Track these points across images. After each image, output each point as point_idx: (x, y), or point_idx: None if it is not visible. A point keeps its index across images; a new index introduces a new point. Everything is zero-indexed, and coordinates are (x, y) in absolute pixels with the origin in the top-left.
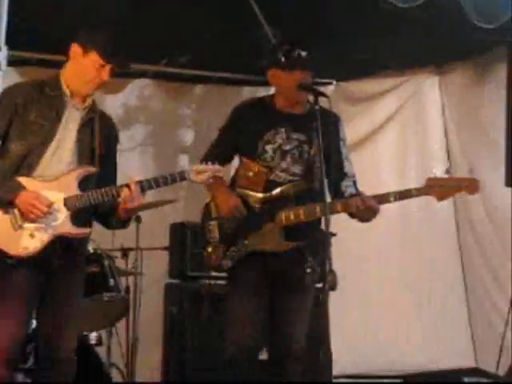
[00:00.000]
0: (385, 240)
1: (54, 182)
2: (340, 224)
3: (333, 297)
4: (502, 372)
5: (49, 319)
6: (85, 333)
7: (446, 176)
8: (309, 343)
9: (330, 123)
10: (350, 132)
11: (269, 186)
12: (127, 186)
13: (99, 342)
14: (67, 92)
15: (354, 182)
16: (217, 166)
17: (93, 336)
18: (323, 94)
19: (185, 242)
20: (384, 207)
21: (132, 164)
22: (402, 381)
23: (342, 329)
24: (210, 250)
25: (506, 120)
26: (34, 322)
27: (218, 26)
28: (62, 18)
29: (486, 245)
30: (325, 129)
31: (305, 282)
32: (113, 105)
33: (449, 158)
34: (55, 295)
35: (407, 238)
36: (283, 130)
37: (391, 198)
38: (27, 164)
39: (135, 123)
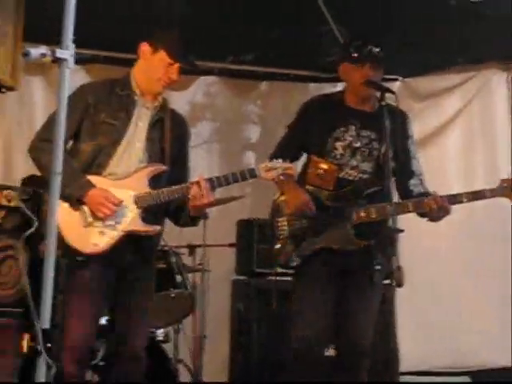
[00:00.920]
0: (454, 235)
1: (125, 180)
2: (407, 220)
3: (400, 293)
4: None
5: (124, 318)
6: (152, 329)
7: None
8: (376, 340)
9: (399, 121)
10: (416, 129)
11: (339, 183)
12: (197, 183)
13: (166, 339)
14: (137, 91)
15: (422, 181)
16: (287, 163)
17: (160, 333)
18: (390, 91)
19: (252, 238)
20: None
21: (198, 161)
22: (469, 377)
23: (409, 325)
24: (278, 246)
25: None
26: (103, 319)
27: (283, 23)
28: (128, 17)
29: None
30: (393, 126)
31: (373, 279)
32: (179, 102)
33: None
34: (129, 294)
35: (476, 232)
36: (353, 127)
37: (464, 199)
38: (97, 163)
39: (201, 120)
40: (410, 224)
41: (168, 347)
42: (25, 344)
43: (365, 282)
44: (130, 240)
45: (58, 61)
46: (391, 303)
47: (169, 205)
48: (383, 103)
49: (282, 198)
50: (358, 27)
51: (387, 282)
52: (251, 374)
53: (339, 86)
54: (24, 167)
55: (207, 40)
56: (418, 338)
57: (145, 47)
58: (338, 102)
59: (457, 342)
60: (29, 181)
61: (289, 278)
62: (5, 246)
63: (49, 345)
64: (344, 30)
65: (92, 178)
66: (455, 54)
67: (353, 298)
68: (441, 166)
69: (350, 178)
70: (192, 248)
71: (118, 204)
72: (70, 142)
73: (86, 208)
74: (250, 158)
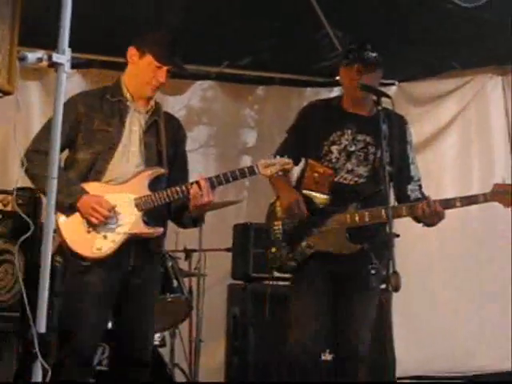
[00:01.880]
0: (448, 239)
1: (125, 185)
2: (402, 225)
3: (396, 298)
4: None
5: (129, 323)
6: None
7: None
8: (372, 344)
9: (397, 126)
10: (412, 133)
11: (334, 187)
12: (197, 182)
13: (163, 343)
14: (128, 96)
15: (420, 186)
16: (285, 159)
17: (156, 337)
18: (386, 95)
19: (248, 242)
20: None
21: (194, 165)
22: (466, 382)
23: (405, 330)
24: (273, 250)
25: None
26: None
27: (279, 28)
28: (125, 21)
29: None
30: (391, 131)
31: (370, 284)
32: (175, 106)
33: None
34: (134, 298)
35: (471, 237)
36: (349, 131)
37: (457, 203)
38: (95, 170)
39: (198, 125)
40: (406, 228)
41: (164, 351)
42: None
43: (360, 286)
44: (133, 243)
45: (54, 65)
46: (388, 308)
47: (170, 207)
48: (380, 107)
49: (278, 201)
50: (354, 32)
51: (383, 286)
52: (247, 378)
53: (336, 91)
54: (19, 172)
55: (203, 44)
56: (414, 343)
57: (132, 51)
58: (335, 106)
59: (453, 346)
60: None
61: (285, 283)
62: (1, 251)
63: (47, 350)
64: (340, 35)
65: (91, 185)
66: (451, 59)
67: (349, 302)
68: (437, 170)
69: (346, 181)
70: (188, 252)
71: (111, 209)
72: (64, 153)
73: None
74: (246, 163)
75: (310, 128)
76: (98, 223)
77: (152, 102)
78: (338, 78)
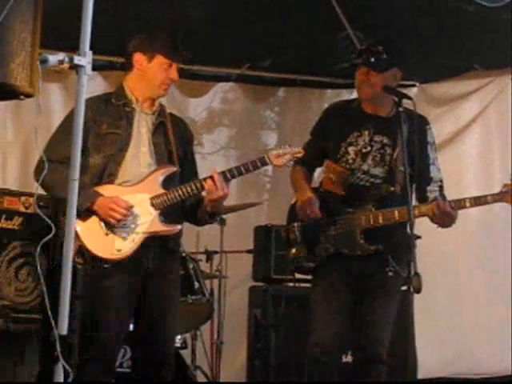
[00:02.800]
0: (472, 239)
1: (139, 185)
2: (424, 225)
3: (418, 299)
4: None
5: (152, 324)
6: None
7: None
8: (394, 346)
9: (418, 126)
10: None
11: (351, 188)
12: (211, 177)
13: (184, 345)
14: (133, 99)
15: (441, 187)
16: (296, 148)
17: (177, 339)
18: (407, 96)
19: (269, 244)
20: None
21: (215, 167)
22: None
23: (427, 331)
24: (293, 251)
25: None
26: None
27: (300, 30)
28: (147, 22)
29: None
30: (411, 132)
31: (388, 286)
32: (196, 108)
33: None
34: (153, 300)
35: (495, 237)
36: (367, 132)
37: (467, 204)
38: (108, 173)
39: (219, 127)
40: (428, 229)
41: (185, 353)
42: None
43: (378, 287)
44: (151, 243)
45: (75, 67)
46: (409, 309)
47: (184, 205)
48: (401, 109)
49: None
50: (374, 33)
51: (405, 288)
52: (268, 380)
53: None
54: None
55: (225, 46)
56: (437, 344)
57: (139, 57)
58: (355, 107)
59: (476, 348)
60: None
61: (306, 284)
62: (23, 253)
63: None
64: (361, 36)
65: (105, 188)
66: (472, 60)
67: (367, 303)
68: (458, 171)
69: (361, 182)
70: (209, 254)
71: (128, 208)
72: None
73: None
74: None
75: (330, 129)
76: (117, 223)
77: (157, 104)
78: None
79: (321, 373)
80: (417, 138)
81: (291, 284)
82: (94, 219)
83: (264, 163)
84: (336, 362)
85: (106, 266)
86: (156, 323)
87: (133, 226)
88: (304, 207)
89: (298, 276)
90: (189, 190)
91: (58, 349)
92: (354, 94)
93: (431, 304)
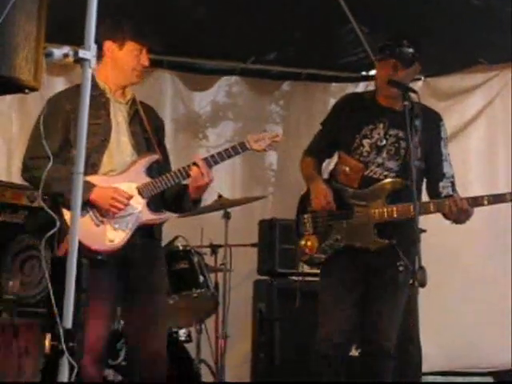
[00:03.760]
0: (477, 233)
1: (123, 175)
2: (430, 219)
3: (423, 293)
4: None
5: (134, 319)
6: (174, 329)
7: None
8: (399, 339)
9: (432, 122)
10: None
11: (364, 181)
12: (194, 164)
13: (189, 339)
14: (106, 88)
15: (452, 183)
16: (273, 132)
17: (182, 333)
18: (412, 90)
19: (274, 238)
20: None
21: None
22: (492, 378)
23: (431, 325)
24: (303, 242)
25: None
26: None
27: (305, 23)
28: (150, 16)
29: None
30: (426, 127)
31: (397, 280)
32: (201, 102)
33: None
34: (139, 293)
35: (500, 231)
36: (382, 125)
37: (484, 202)
38: (91, 164)
39: (223, 120)
40: (433, 222)
41: (190, 347)
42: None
43: (389, 282)
44: (138, 232)
45: (80, 61)
46: (414, 303)
47: (164, 194)
48: (406, 103)
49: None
50: (379, 27)
51: (410, 281)
52: (273, 374)
53: (361, 86)
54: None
55: (229, 40)
56: (441, 338)
57: (109, 45)
58: (369, 100)
59: (481, 342)
60: None
61: (311, 278)
62: (28, 247)
63: (71, 344)
64: (366, 30)
65: (90, 178)
66: (477, 54)
67: (377, 298)
68: (463, 165)
69: (375, 176)
70: (214, 248)
71: (129, 198)
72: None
73: (93, 208)
74: (272, 158)
75: (343, 121)
76: (118, 213)
77: (130, 93)
78: (374, 72)
79: (329, 367)
80: (431, 134)
81: (296, 278)
82: (83, 211)
83: (244, 148)
84: (343, 356)
85: (99, 257)
86: (144, 321)
87: (124, 216)
88: (319, 198)
89: (303, 270)
90: (174, 177)
91: (63, 343)
92: (359, 88)
93: (435, 298)
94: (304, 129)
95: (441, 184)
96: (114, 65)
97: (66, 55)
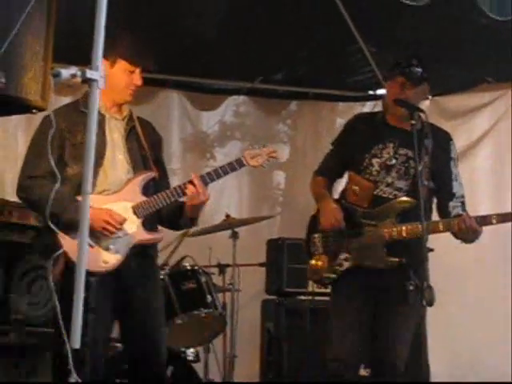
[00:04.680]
0: (485, 251)
1: (118, 194)
2: (438, 237)
3: (430, 312)
4: None
5: (135, 338)
6: (182, 349)
7: None
8: (407, 358)
9: (442, 141)
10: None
11: (374, 200)
12: (191, 182)
13: (197, 359)
14: (101, 105)
15: (463, 203)
16: (270, 148)
17: (190, 352)
18: (420, 109)
19: (282, 257)
20: None
21: (228, 180)
22: None
23: (440, 343)
24: (313, 262)
25: None
26: None
27: (312, 43)
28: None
29: None
30: (436, 146)
31: (408, 299)
32: (209, 122)
33: None
34: (137, 312)
35: (507, 251)
36: (391, 144)
37: (493, 220)
38: None
39: (231, 140)
40: (441, 241)
41: (198, 367)
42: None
43: (399, 301)
44: (133, 253)
45: (88, 81)
46: (422, 322)
47: (162, 211)
48: (413, 122)
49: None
50: (386, 46)
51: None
52: None
53: (368, 105)
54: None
55: (236, 60)
56: (449, 357)
57: (102, 62)
58: (379, 119)
59: (490, 361)
60: None
61: (319, 298)
62: (35, 267)
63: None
64: (373, 50)
65: None
66: (484, 72)
67: (387, 317)
68: (470, 184)
69: (385, 195)
70: (222, 268)
71: (123, 221)
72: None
73: None
74: (279, 177)
75: (354, 140)
76: (112, 235)
77: (126, 109)
78: (383, 91)
79: None
80: (440, 153)
81: (304, 297)
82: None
83: (241, 164)
84: (353, 376)
85: (92, 279)
86: (144, 337)
87: (118, 236)
88: (328, 217)
89: (310, 289)
90: (170, 196)
91: (71, 362)
92: (366, 107)
93: (443, 316)
94: (311, 148)
95: (451, 204)
96: (106, 82)
97: (73, 75)
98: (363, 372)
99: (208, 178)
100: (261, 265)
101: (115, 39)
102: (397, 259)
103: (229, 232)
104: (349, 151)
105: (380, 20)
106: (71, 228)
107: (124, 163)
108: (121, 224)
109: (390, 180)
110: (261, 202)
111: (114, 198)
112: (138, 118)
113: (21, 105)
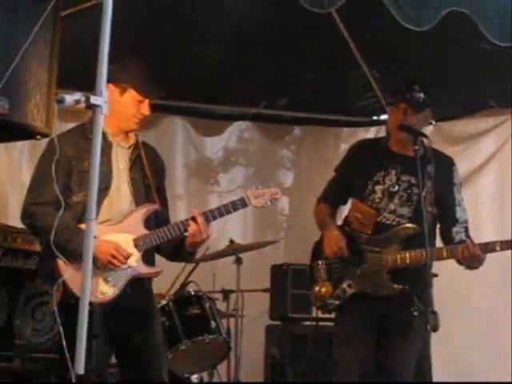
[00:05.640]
0: (487, 278)
1: (121, 225)
2: (441, 263)
3: (435, 336)
4: None
5: (136, 366)
6: (186, 375)
7: None
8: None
9: (444, 167)
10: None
11: (377, 227)
12: (193, 218)
13: None
14: (108, 132)
15: (466, 229)
16: (273, 189)
17: (194, 378)
18: (423, 134)
19: (286, 283)
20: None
21: None
22: None
23: (444, 369)
24: (317, 289)
25: None
26: None
27: (316, 68)
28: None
29: None
30: (438, 172)
31: (412, 326)
32: (213, 148)
33: None
34: (135, 344)
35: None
36: (394, 171)
37: (497, 247)
38: None
39: (235, 165)
40: (444, 267)
41: None
42: None
43: (403, 327)
44: (130, 285)
45: (92, 107)
46: (426, 347)
47: (163, 243)
48: (416, 147)
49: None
50: (390, 72)
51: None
52: None
53: (372, 131)
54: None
55: (240, 85)
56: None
57: (112, 88)
58: (382, 146)
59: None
60: None
61: (323, 323)
62: (39, 293)
63: None
64: (377, 75)
65: None
66: (488, 97)
67: (391, 344)
68: (474, 209)
69: (388, 222)
70: (226, 293)
71: (128, 256)
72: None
73: None
74: (283, 203)
75: (356, 167)
76: (115, 269)
77: (132, 137)
78: (385, 116)
79: None
80: (443, 179)
81: (309, 323)
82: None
83: (244, 204)
84: None
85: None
86: (140, 365)
87: (117, 268)
88: (331, 244)
89: (314, 315)
90: (172, 231)
91: None
92: (370, 133)
93: (448, 341)
94: (315, 174)
95: (454, 229)
96: (113, 109)
97: (77, 101)
98: None
99: (211, 216)
100: (265, 290)
101: (126, 67)
102: (400, 286)
103: (233, 257)
104: (351, 178)
105: (383, 45)
106: (75, 258)
107: (127, 193)
108: (126, 259)
109: (392, 207)
110: (265, 228)
111: (116, 229)
112: (143, 142)
113: (25, 131)
